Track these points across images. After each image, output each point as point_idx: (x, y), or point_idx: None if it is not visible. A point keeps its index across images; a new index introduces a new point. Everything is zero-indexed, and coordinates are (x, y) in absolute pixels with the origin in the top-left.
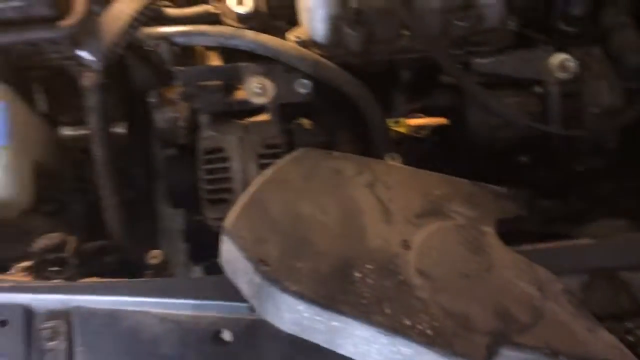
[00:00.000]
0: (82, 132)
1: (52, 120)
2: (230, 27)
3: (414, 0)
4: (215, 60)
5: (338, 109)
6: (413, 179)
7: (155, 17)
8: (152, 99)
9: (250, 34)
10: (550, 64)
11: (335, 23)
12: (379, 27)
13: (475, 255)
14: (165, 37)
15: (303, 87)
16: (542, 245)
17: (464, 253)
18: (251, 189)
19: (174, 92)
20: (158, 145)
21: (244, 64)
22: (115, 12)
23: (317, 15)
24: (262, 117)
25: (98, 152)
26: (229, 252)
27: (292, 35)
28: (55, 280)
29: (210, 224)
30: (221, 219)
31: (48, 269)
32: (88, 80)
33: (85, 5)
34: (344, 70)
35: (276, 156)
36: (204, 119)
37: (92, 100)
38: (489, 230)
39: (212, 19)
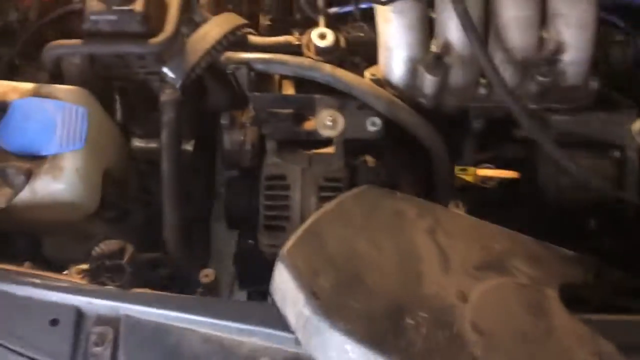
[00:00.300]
0: (152, 145)
1: (125, 131)
2: (309, 59)
3: (496, 50)
4: (288, 89)
5: (404, 150)
6: (475, 230)
7: (239, 42)
8: (224, 121)
9: (327, 68)
10: (632, 129)
11: (414, 66)
12: (457, 73)
13: (535, 318)
14: (246, 63)
15: (373, 125)
16: (607, 317)
17: (523, 313)
18: (311, 219)
19: (245, 116)
20: (222, 166)
21: (318, 96)
22: (202, 34)
23: (396, 56)
24: (327, 149)
25: (165, 167)
26: (281, 280)
27: (369, 73)
28: (108, 286)
29: (263, 250)
30: (275, 246)
31: (104, 275)
32: (166, 96)
33: (174, 26)
34: (416, 113)
35: (337, 190)
36: (270, 145)
37: (167, 116)
38: (552, 293)
39: (293, 49)
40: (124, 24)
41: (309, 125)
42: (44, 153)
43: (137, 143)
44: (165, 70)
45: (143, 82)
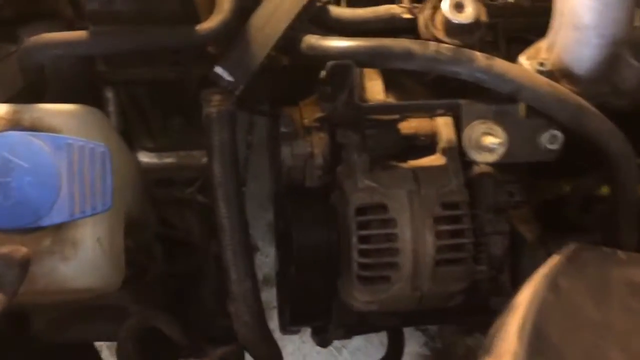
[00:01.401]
0: (167, 160)
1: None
2: (447, 46)
3: None
4: (375, 84)
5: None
6: None
7: (319, 19)
8: (284, 128)
9: (481, 58)
10: None
11: (617, 51)
12: None
13: None
14: (341, 54)
15: (553, 141)
16: None
17: None
18: (524, 314)
19: (308, 115)
20: (281, 185)
21: (464, 101)
22: (270, 9)
23: (591, 36)
24: (433, 159)
25: (224, 212)
26: None
27: (527, 60)
28: None
29: (356, 307)
30: (374, 302)
31: None
32: (216, 107)
33: (234, 1)
34: (609, 120)
35: (457, 221)
36: (361, 161)
37: (217, 137)
38: None
39: (401, 26)
40: (156, 2)
41: (405, 127)
42: (44, 223)
43: (145, 159)
44: (218, 71)
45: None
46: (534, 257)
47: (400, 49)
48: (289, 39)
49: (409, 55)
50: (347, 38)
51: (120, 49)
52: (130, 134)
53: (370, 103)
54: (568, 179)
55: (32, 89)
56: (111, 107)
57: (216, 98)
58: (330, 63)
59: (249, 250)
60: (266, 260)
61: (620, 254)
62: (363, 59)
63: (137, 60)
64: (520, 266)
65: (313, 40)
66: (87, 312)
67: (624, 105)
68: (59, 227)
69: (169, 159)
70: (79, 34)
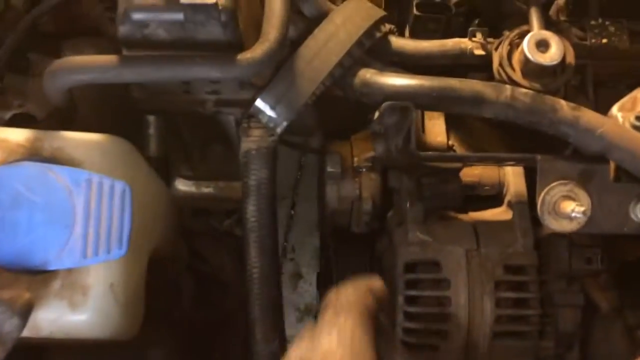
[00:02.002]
0: (204, 189)
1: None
2: (524, 91)
3: None
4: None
5: None
6: None
7: (378, 51)
8: (331, 167)
9: (567, 109)
10: None
11: None
12: None
13: None
14: (399, 94)
15: None
16: None
17: None
18: None
19: (358, 155)
20: (327, 229)
21: (543, 157)
22: (322, 39)
23: None
24: (499, 212)
25: (254, 260)
26: None
27: (623, 112)
28: None
29: None
30: None
31: None
32: (254, 143)
33: (281, 29)
34: None
35: (521, 287)
36: (412, 212)
37: (254, 176)
38: None
39: (472, 62)
40: (195, 27)
41: (468, 174)
42: (52, 267)
43: (182, 187)
44: (259, 105)
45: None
46: (608, 330)
47: (468, 91)
48: (341, 73)
49: (478, 99)
50: (406, 75)
51: (151, 78)
52: (168, 160)
53: (429, 153)
54: None
55: (61, 112)
56: (152, 131)
57: (256, 133)
58: (385, 104)
59: (279, 307)
60: (309, 289)
61: None
62: (424, 101)
63: (174, 87)
64: (591, 340)
65: (368, 75)
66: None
67: None
68: (69, 270)
69: (207, 189)
70: (108, 59)
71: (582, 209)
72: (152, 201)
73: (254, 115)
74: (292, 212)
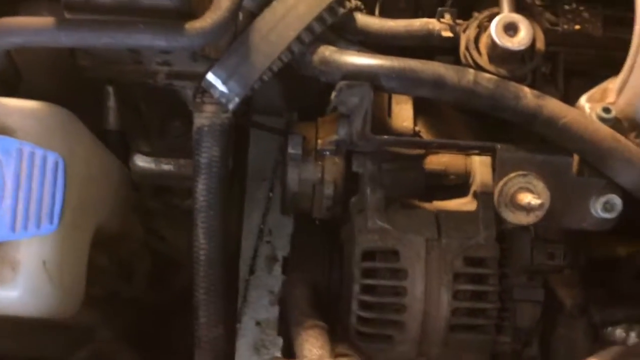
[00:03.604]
0: (164, 167)
1: (122, 143)
2: (487, 76)
3: None
4: (403, 109)
5: None
6: None
7: (341, 26)
8: (293, 149)
9: (530, 98)
10: None
11: None
12: None
13: None
14: (367, 76)
15: (609, 209)
16: None
17: None
18: None
19: (323, 138)
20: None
21: (502, 146)
22: (280, 11)
23: None
24: (462, 203)
25: (201, 242)
26: None
27: (591, 103)
28: None
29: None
30: None
31: None
32: (207, 119)
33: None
34: None
35: (482, 282)
36: (374, 198)
37: (206, 154)
38: None
39: (439, 45)
40: None
41: (434, 162)
42: None
43: (141, 163)
44: (210, 79)
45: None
46: (571, 327)
47: (429, 74)
48: (300, 53)
49: (440, 83)
50: (366, 54)
51: (89, 43)
52: (126, 134)
53: (384, 136)
54: (627, 240)
55: (1, 78)
56: (111, 103)
57: (209, 109)
58: (341, 83)
59: (226, 291)
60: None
61: None
62: (383, 82)
63: (123, 56)
64: (553, 337)
65: (327, 53)
66: (52, 329)
67: None
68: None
69: (167, 166)
70: (43, 21)
71: (539, 201)
72: (97, 175)
73: (206, 89)
74: (271, 194)
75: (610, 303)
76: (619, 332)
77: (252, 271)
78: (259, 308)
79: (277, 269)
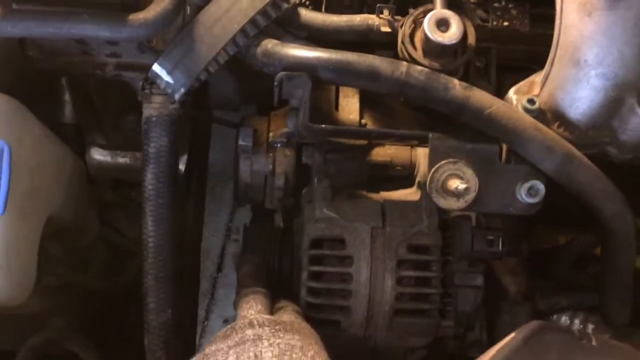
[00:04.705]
0: (120, 159)
1: (78, 136)
2: (419, 68)
3: None
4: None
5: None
6: None
7: (284, 21)
8: (243, 141)
9: (458, 89)
10: None
11: (620, 94)
12: None
13: None
14: (306, 68)
15: (533, 194)
16: None
17: None
18: None
19: (274, 130)
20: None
21: (435, 135)
22: (224, 5)
23: (594, 76)
24: (407, 193)
25: (150, 229)
26: None
27: (517, 95)
28: None
29: None
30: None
31: None
32: (154, 110)
33: None
34: (605, 176)
35: (426, 267)
36: (321, 188)
37: (154, 144)
38: None
39: (379, 39)
40: None
41: (380, 154)
42: None
43: (97, 156)
44: (156, 69)
45: (111, 79)
46: (515, 313)
47: (364, 66)
48: (244, 46)
49: (374, 74)
50: (306, 47)
51: (34, 33)
52: (82, 127)
53: (322, 125)
54: (567, 229)
55: None
56: (66, 96)
57: (157, 100)
58: (280, 74)
59: (173, 277)
60: None
61: (594, 339)
62: (321, 73)
63: (72, 48)
64: (497, 322)
65: (270, 45)
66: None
67: (627, 158)
68: None
69: (123, 159)
70: None
71: (465, 186)
72: (47, 165)
73: (153, 80)
74: None
75: (555, 291)
76: (564, 320)
77: (219, 269)
78: (227, 306)
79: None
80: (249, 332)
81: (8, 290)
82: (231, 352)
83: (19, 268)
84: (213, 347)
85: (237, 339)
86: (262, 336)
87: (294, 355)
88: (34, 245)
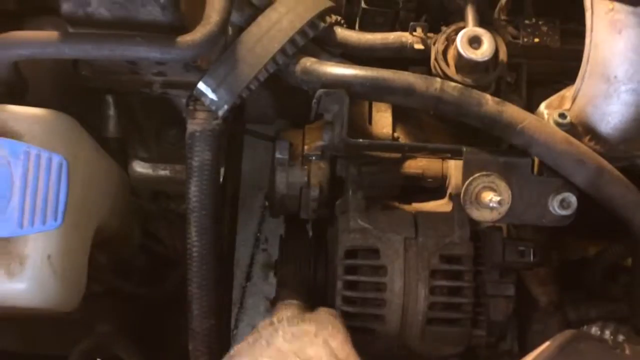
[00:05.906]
0: (161, 172)
1: (121, 149)
2: (453, 84)
3: None
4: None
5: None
6: None
7: (322, 40)
8: (280, 154)
9: (491, 104)
10: None
11: None
12: None
13: None
14: (343, 84)
15: (565, 206)
16: None
17: None
18: None
19: (309, 143)
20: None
21: (468, 149)
22: (265, 26)
23: (624, 92)
24: (439, 204)
25: (194, 239)
26: None
27: (549, 110)
28: None
29: None
30: None
31: None
32: (199, 125)
33: (221, 14)
34: (633, 187)
35: (455, 276)
36: (355, 200)
37: (198, 158)
38: None
39: (412, 56)
40: (136, 8)
41: (412, 166)
42: None
43: (139, 169)
44: (201, 87)
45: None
46: (546, 323)
47: (400, 83)
48: (284, 64)
49: (409, 90)
50: (343, 65)
51: (91, 55)
52: (125, 141)
53: (359, 140)
54: (598, 240)
55: (8, 86)
56: (111, 111)
57: (201, 116)
58: (320, 91)
59: (217, 286)
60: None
61: (627, 348)
62: (358, 89)
63: (121, 67)
64: (529, 331)
65: (308, 63)
66: (57, 324)
67: None
68: (7, 240)
69: (164, 172)
70: (48, 35)
71: (499, 199)
72: (97, 178)
73: (198, 97)
74: (267, 203)
75: (586, 302)
76: (595, 330)
77: (248, 278)
78: (255, 314)
79: (273, 276)
80: (268, 328)
81: (63, 296)
82: (248, 340)
83: (73, 275)
84: (236, 347)
85: (255, 335)
86: (277, 329)
87: (306, 339)
88: (85, 254)
